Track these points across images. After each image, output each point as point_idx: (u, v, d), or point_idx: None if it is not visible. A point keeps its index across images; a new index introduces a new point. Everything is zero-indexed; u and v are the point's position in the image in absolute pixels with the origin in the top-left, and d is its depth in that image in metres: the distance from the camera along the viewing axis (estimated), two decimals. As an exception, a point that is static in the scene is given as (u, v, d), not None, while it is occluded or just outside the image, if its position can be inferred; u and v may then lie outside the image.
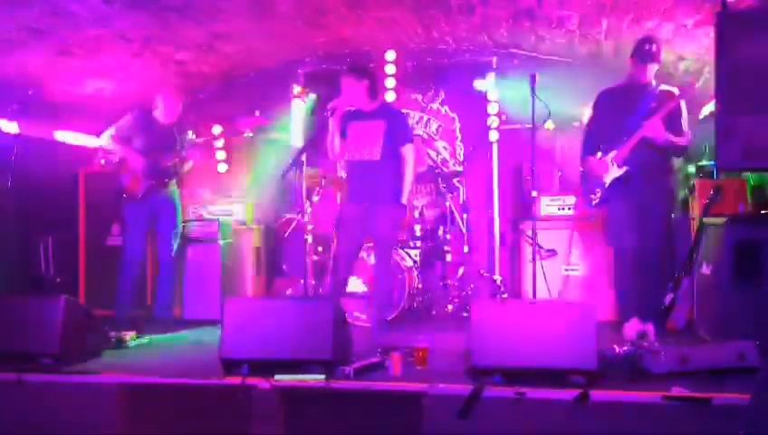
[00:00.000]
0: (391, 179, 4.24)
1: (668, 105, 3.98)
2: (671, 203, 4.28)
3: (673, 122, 4.04)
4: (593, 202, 4.27)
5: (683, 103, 4.08)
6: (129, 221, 4.90)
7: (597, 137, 4.29)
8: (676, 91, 4.10)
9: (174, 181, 5.04)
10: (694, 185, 4.55)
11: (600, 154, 4.24)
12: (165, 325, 4.82)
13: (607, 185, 4.17)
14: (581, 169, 4.37)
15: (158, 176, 4.85)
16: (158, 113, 4.94)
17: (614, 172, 4.13)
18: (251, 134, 6.35)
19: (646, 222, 4.07)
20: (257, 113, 6.07)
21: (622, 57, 5.26)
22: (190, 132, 5.33)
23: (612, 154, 4.13)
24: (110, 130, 4.86)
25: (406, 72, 6.22)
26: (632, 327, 3.87)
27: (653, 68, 4.08)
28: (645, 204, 4.07)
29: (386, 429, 2.81)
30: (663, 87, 4.13)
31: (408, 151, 4.27)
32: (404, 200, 4.30)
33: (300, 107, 6.37)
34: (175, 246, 5.04)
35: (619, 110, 4.16)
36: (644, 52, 4.05)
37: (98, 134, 5.01)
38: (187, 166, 5.11)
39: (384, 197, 4.21)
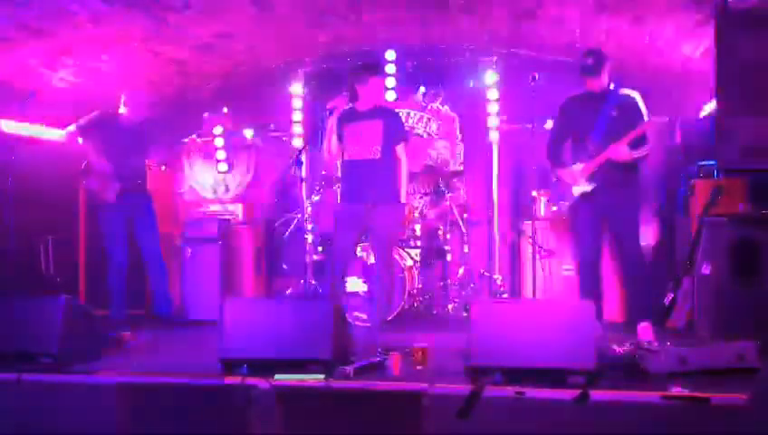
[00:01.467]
0: (391, 178, 4.25)
1: (636, 131, 3.92)
2: (639, 205, 4.21)
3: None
4: (563, 207, 4.29)
5: (641, 105, 4.02)
6: (106, 227, 4.81)
7: (561, 143, 4.30)
8: (635, 94, 4.05)
9: (145, 182, 4.97)
10: (694, 185, 4.55)
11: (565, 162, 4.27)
12: (164, 325, 4.81)
13: (575, 196, 4.18)
14: (554, 179, 4.39)
15: (128, 178, 4.77)
16: (124, 112, 4.84)
17: (582, 186, 4.12)
18: (252, 134, 6.38)
19: (618, 226, 4.09)
20: (225, 110, 6.09)
21: (623, 56, 5.27)
22: (195, 135, 5.31)
23: (579, 167, 4.12)
24: (71, 127, 4.74)
25: (406, 71, 6.22)
26: (646, 330, 3.90)
27: (599, 79, 4.03)
28: (614, 209, 4.07)
29: (386, 428, 2.81)
30: (623, 91, 4.08)
31: (402, 150, 4.29)
32: (403, 199, 4.31)
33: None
34: (159, 246, 4.97)
35: (581, 118, 4.14)
36: (582, 66, 4.04)
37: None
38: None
39: (384, 196, 4.22)
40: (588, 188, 4.10)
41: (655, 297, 4.05)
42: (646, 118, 4.00)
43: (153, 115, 5.05)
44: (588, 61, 4.02)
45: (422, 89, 6.31)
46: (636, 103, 4.03)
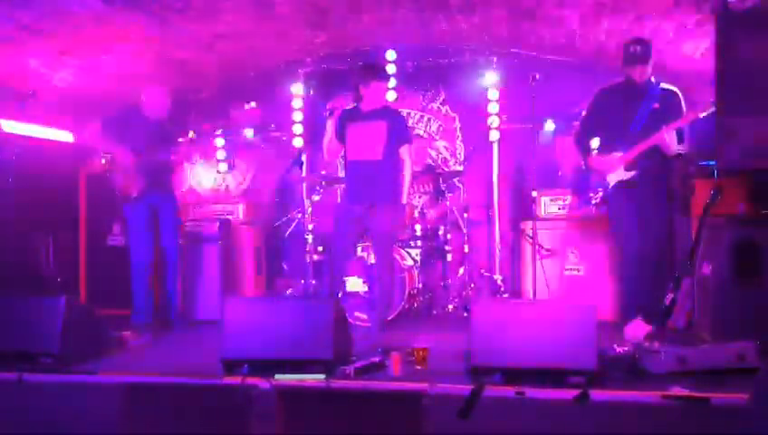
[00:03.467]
0: (392, 179, 4.25)
1: (684, 118, 3.90)
2: (671, 205, 4.21)
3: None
4: (593, 201, 4.23)
5: (682, 99, 4.02)
6: (130, 222, 4.78)
7: (593, 134, 4.26)
8: (676, 89, 4.03)
9: (170, 178, 4.97)
10: (694, 185, 4.55)
11: (594, 152, 4.22)
12: (165, 325, 4.81)
13: (610, 186, 4.12)
14: (583, 167, 4.32)
15: (152, 173, 4.76)
16: (147, 110, 4.83)
17: (620, 174, 4.07)
18: (252, 135, 6.38)
19: (647, 224, 4.04)
20: (253, 104, 6.04)
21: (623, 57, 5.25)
22: (191, 133, 5.29)
23: (618, 155, 4.07)
24: (98, 125, 4.74)
25: (406, 71, 6.22)
26: (635, 328, 3.87)
27: (645, 68, 4.01)
28: (647, 207, 4.03)
29: (386, 428, 2.82)
30: (663, 85, 4.06)
31: (405, 152, 4.29)
32: (404, 200, 4.31)
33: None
34: (179, 245, 4.95)
35: (620, 109, 4.10)
36: (630, 55, 3.99)
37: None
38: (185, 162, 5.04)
39: (384, 196, 4.22)
40: (626, 175, 4.05)
41: (655, 299, 4.03)
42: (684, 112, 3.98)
43: (173, 114, 5.01)
44: (636, 49, 3.98)
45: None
46: (678, 97, 4.01)
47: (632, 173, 4.04)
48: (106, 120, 4.77)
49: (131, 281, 4.72)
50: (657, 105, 4.00)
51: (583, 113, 4.42)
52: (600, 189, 4.18)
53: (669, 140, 3.92)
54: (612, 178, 4.11)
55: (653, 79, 4.07)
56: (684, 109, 4.02)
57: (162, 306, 4.99)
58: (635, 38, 4.11)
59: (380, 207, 4.21)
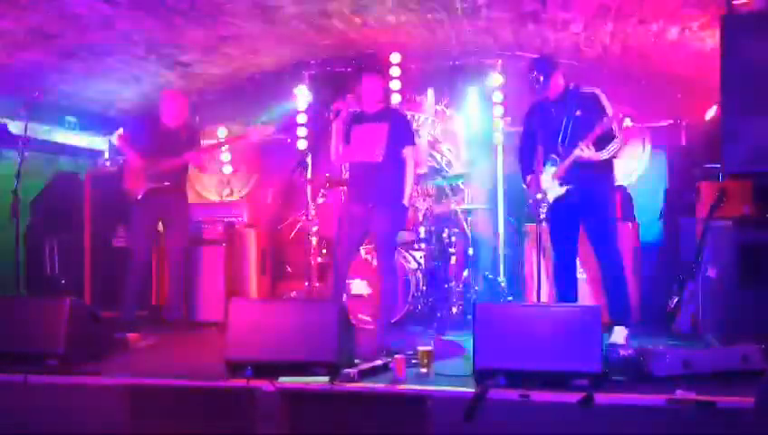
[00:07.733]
0: (393, 181, 4.23)
1: (599, 128, 3.82)
2: (613, 208, 4.12)
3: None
4: (541, 217, 4.16)
5: (604, 101, 3.91)
6: (133, 222, 4.89)
7: (532, 150, 4.23)
8: (596, 91, 3.96)
9: (180, 183, 5.01)
10: (699, 187, 4.54)
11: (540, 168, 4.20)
12: (169, 327, 4.82)
13: (550, 202, 4.08)
14: (524, 186, 4.32)
15: (159, 178, 4.82)
16: (163, 115, 4.94)
17: (556, 190, 4.05)
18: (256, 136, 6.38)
19: (593, 229, 4.02)
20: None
21: (628, 59, 5.27)
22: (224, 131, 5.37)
23: (551, 170, 4.06)
24: (120, 131, 4.94)
25: (410, 74, 6.22)
26: (619, 333, 3.85)
27: (550, 86, 3.98)
28: (588, 213, 4.01)
29: (390, 431, 2.82)
30: (584, 89, 4.00)
31: (409, 153, 4.27)
32: (405, 202, 4.30)
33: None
34: (184, 247, 5.01)
35: (547, 121, 4.09)
36: (530, 81, 4.01)
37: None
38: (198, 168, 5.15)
39: (385, 198, 4.21)
40: (561, 190, 4.03)
41: (628, 301, 4.02)
42: (609, 113, 3.86)
43: (191, 121, 5.10)
44: (533, 76, 3.99)
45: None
46: (597, 99, 3.93)
47: (566, 188, 4.00)
48: (126, 124, 5.00)
49: (126, 277, 4.79)
50: (578, 112, 3.93)
51: (522, 131, 4.41)
52: (545, 204, 4.11)
53: (588, 153, 3.86)
54: (551, 195, 4.08)
55: (571, 85, 4.03)
56: (606, 109, 3.89)
57: (162, 307, 5.03)
58: (531, 62, 4.13)
59: (381, 209, 4.20)
